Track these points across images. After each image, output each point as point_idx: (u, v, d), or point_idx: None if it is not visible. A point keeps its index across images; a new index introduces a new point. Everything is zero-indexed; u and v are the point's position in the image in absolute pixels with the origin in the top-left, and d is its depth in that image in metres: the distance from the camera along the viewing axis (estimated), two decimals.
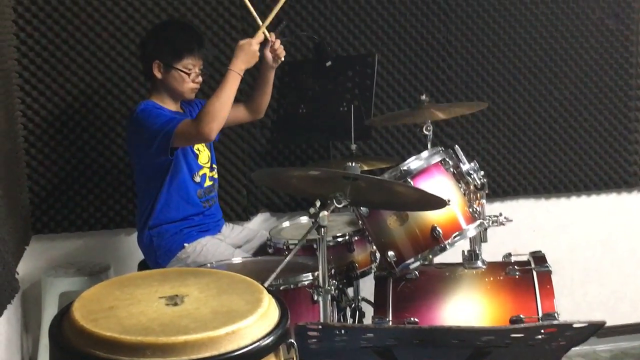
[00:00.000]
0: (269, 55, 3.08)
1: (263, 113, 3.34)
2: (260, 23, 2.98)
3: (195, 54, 3.03)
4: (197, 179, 3.09)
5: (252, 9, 3.03)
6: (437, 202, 2.41)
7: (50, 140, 3.43)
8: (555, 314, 2.55)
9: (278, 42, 3.05)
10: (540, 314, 2.55)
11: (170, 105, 3.07)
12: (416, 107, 3.03)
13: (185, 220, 3.07)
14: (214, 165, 3.23)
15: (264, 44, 3.04)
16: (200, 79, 3.08)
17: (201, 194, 3.11)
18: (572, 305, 4.06)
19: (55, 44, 3.38)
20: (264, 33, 2.99)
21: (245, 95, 3.32)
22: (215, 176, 3.24)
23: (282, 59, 3.10)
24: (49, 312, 3.25)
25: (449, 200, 2.51)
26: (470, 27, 3.78)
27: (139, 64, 3.33)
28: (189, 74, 3.02)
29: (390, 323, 2.59)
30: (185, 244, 3.03)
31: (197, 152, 3.11)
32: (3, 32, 3.12)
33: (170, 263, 3.02)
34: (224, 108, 2.82)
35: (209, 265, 2.75)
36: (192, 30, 3.16)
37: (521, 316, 2.54)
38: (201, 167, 3.12)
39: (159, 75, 3.01)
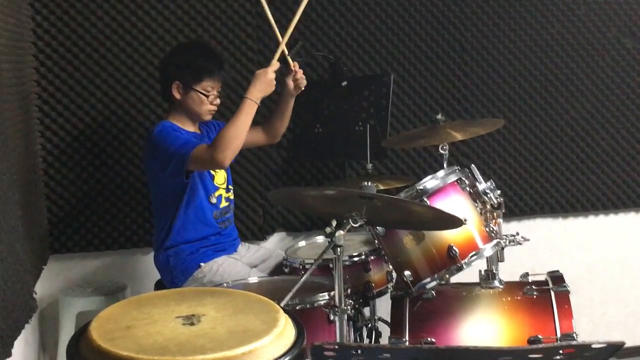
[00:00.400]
0: (290, 83, 3.11)
1: (279, 137, 3.36)
2: (280, 42, 3.00)
3: (215, 76, 3.05)
4: (213, 200, 3.10)
5: (275, 27, 3.05)
6: (454, 222, 2.40)
7: (68, 161, 3.46)
8: (574, 335, 2.52)
9: (300, 72, 3.09)
10: (559, 335, 2.52)
11: (188, 126, 3.09)
12: (432, 127, 3.03)
13: (202, 240, 3.08)
14: (230, 187, 3.24)
15: (286, 72, 3.07)
16: (218, 100, 3.09)
17: (217, 215, 3.12)
18: (590, 325, 4.02)
19: (73, 65, 3.41)
20: (284, 62, 3.02)
21: (263, 118, 3.33)
22: (232, 197, 3.24)
23: (303, 88, 3.12)
24: (66, 331, 3.25)
25: (465, 220, 2.50)
26: (485, 46, 3.79)
27: (157, 84, 3.36)
28: (207, 96, 3.03)
29: (407, 343, 2.58)
30: (202, 264, 3.03)
31: (213, 172, 3.12)
32: (22, 53, 3.16)
33: (187, 282, 3.02)
34: (239, 136, 2.82)
35: (225, 284, 2.75)
36: (212, 52, 3.18)
37: (539, 336, 2.52)
38: (217, 188, 3.13)
39: (177, 96, 3.02)
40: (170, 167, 2.89)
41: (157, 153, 2.94)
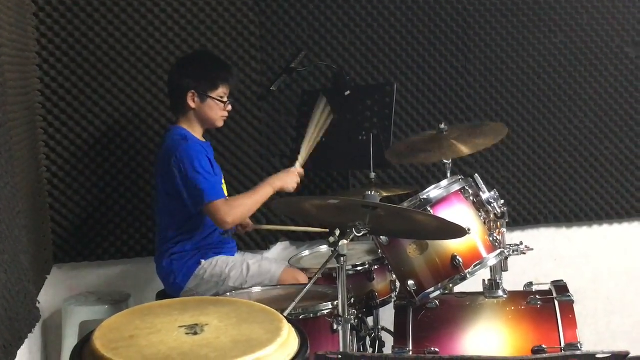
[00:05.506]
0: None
1: None
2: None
3: (229, 82, 3.12)
4: None
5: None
6: (457, 231, 2.40)
7: (72, 170, 3.47)
8: (578, 344, 2.51)
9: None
10: (563, 344, 2.51)
11: (199, 134, 3.13)
12: (436, 139, 2.99)
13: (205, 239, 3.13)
14: None
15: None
16: (230, 107, 3.14)
17: (226, 233, 3.15)
18: (595, 335, 4.00)
19: (77, 75, 3.42)
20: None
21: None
22: None
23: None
24: (70, 341, 3.25)
25: (469, 229, 2.50)
26: (488, 55, 3.80)
27: (160, 94, 3.40)
28: (223, 102, 3.08)
29: (411, 353, 2.57)
30: (202, 260, 3.06)
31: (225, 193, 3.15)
32: (26, 63, 3.17)
33: (189, 282, 3.03)
34: (251, 211, 3.03)
35: (228, 294, 2.76)
36: (220, 59, 3.28)
37: (543, 346, 2.51)
38: None
39: (193, 105, 3.06)
40: (183, 193, 2.95)
41: (178, 172, 2.95)
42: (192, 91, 3.05)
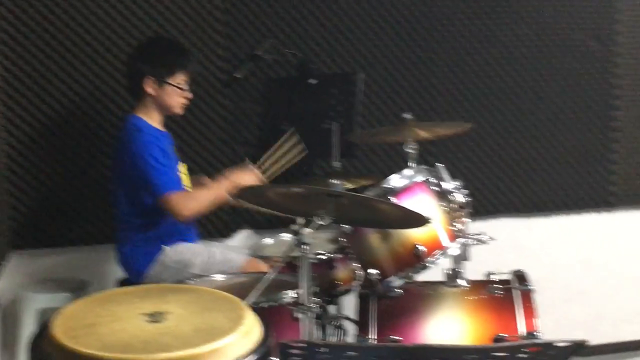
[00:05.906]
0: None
1: None
2: None
3: (188, 69, 3.08)
4: None
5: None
6: (419, 220, 2.41)
7: (31, 155, 3.41)
8: (538, 333, 2.55)
9: None
10: (522, 333, 2.55)
11: (157, 123, 3.09)
12: (399, 125, 3.03)
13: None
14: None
15: None
16: (189, 94, 3.10)
17: None
18: (553, 324, 4.02)
19: (38, 59, 3.37)
20: None
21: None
22: None
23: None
24: (28, 328, 3.21)
25: (430, 219, 2.51)
26: (453, 46, 3.81)
27: (123, 79, 3.33)
28: (182, 89, 3.04)
29: (374, 341, 2.58)
30: (164, 246, 3.05)
31: (181, 174, 3.12)
32: None
33: (151, 268, 3.02)
34: (207, 204, 2.99)
35: (191, 282, 2.74)
36: (181, 45, 3.23)
37: (504, 335, 2.54)
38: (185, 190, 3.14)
39: (151, 91, 3.02)
40: (139, 185, 2.94)
41: (133, 162, 2.94)
42: (149, 77, 3.01)
